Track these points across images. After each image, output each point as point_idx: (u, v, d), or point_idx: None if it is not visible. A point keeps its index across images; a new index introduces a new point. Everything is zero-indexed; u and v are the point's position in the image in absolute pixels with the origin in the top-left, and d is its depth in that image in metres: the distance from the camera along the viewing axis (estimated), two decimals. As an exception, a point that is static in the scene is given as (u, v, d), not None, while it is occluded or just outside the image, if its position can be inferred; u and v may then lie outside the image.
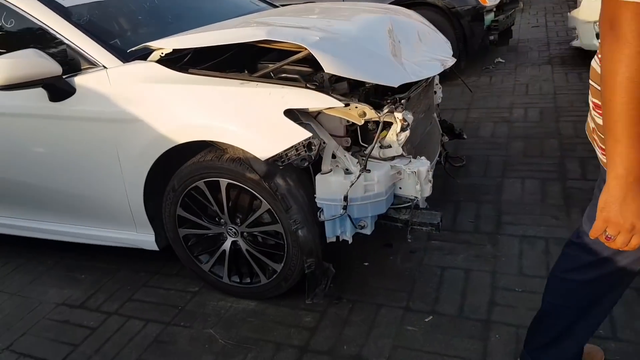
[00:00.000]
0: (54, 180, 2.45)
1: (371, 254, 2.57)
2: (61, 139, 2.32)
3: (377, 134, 1.96)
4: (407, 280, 2.36)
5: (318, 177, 1.99)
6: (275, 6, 3.48)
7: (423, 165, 2.04)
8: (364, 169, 1.95)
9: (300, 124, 1.96)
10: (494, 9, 5.07)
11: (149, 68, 2.13)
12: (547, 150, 3.44)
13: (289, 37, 1.89)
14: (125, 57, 2.20)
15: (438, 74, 3.00)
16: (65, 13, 2.33)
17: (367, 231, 2.09)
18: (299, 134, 1.87)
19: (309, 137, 1.87)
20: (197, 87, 2.01)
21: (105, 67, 2.19)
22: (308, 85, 1.93)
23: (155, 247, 2.46)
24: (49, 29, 2.27)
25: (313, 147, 1.88)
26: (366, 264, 2.52)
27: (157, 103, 2.08)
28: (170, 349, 2.15)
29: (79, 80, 2.23)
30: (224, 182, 2.11)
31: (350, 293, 2.33)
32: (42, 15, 2.30)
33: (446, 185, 3.14)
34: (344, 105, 1.89)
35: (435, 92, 2.96)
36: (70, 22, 2.27)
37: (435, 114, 2.96)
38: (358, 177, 1.93)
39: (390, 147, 2.06)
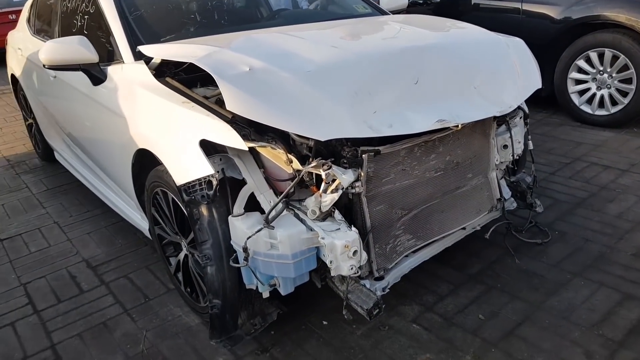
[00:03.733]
0: (95, 148, 2.75)
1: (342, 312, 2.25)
2: (93, 116, 2.58)
3: (288, 188, 1.68)
4: (345, 360, 2.01)
5: (230, 218, 1.81)
6: (385, 12, 3.18)
7: (341, 239, 1.67)
8: (268, 224, 1.70)
9: (217, 157, 1.81)
10: None
11: (140, 70, 2.19)
12: (675, 256, 2.47)
13: (209, 66, 1.72)
14: (138, 55, 2.30)
15: (525, 122, 2.43)
16: (122, 4, 2.52)
17: (282, 291, 1.84)
18: (202, 168, 1.72)
19: (209, 175, 1.70)
20: (154, 97, 2.00)
21: (123, 62, 2.33)
22: (232, 119, 1.74)
23: (149, 236, 2.58)
24: (106, 18, 2.50)
25: (212, 185, 1.71)
26: (325, 322, 2.21)
27: (135, 105, 2.14)
28: (105, 336, 2.25)
29: (110, 69, 2.42)
30: (170, 195, 2.08)
31: (279, 349, 2.09)
32: (105, 3, 2.54)
33: (497, 262, 2.53)
34: (247, 147, 1.66)
35: (505, 147, 2.37)
36: (119, 13, 2.45)
37: (494, 174, 2.37)
38: (257, 231, 1.69)
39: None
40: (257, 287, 1.87)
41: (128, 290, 2.57)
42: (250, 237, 1.69)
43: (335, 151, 1.88)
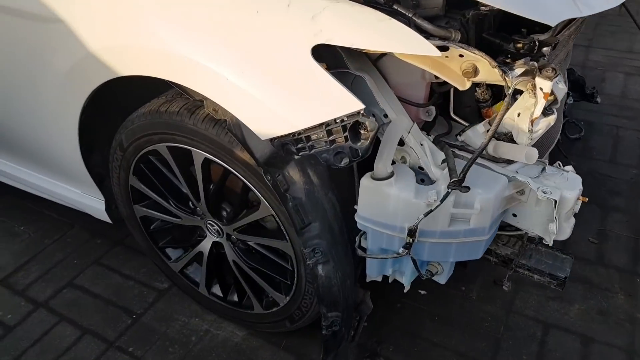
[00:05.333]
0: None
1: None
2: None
3: (502, 113, 0.95)
4: (486, 340, 1.47)
5: (364, 181, 1.04)
6: None
7: (572, 189, 1.05)
8: (460, 184, 0.98)
9: (344, 74, 1.00)
10: None
11: None
12: None
13: None
14: None
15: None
16: None
17: (441, 280, 1.18)
18: (339, 101, 0.91)
19: (359, 111, 0.90)
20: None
21: None
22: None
23: (106, 218, 1.63)
24: None
25: (362, 133, 0.92)
26: (423, 292, 1.62)
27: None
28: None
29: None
30: (198, 154, 1.20)
31: (392, 346, 1.47)
32: None
33: (554, 168, 2.13)
34: (439, 50, 0.89)
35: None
36: None
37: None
38: (445, 198, 0.97)
39: (512, 139, 1.07)
40: (391, 278, 1.19)
41: (90, 306, 1.64)
42: (431, 210, 0.97)
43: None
